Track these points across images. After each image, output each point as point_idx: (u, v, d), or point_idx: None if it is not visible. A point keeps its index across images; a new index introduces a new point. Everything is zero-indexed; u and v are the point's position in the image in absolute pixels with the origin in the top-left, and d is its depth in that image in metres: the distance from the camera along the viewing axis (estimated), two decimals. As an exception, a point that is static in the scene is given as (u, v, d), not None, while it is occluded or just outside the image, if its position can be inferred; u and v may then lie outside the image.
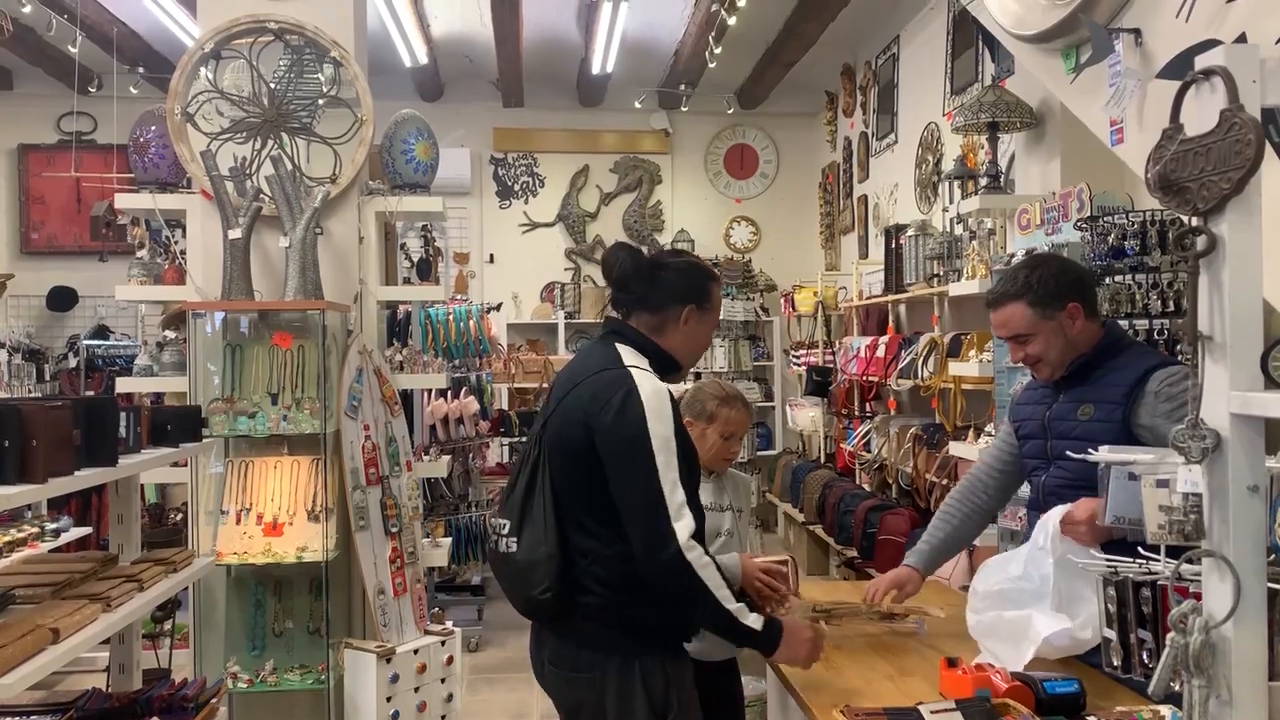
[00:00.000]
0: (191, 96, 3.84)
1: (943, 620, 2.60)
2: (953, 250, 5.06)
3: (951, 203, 5.26)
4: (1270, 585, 1.51)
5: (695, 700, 2.22)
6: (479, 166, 8.79)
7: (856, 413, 6.75)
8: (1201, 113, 1.53)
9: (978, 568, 2.49)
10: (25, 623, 2.14)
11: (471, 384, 5.71)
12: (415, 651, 3.67)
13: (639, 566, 2.10)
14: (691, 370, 3.72)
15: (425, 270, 5.35)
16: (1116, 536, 2.15)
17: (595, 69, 7.64)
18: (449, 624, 3.92)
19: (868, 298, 6.75)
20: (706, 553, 2.08)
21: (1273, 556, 1.52)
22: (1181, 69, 2.26)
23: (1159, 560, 1.72)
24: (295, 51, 3.85)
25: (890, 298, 6.11)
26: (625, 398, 2.11)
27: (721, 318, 8.57)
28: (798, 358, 7.99)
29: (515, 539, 2.16)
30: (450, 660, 3.80)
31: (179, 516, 5.14)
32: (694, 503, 2.11)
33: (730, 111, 8.79)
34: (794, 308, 8.12)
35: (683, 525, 2.06)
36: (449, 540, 4.55)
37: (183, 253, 4.13)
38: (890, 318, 6.37)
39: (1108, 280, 3.17)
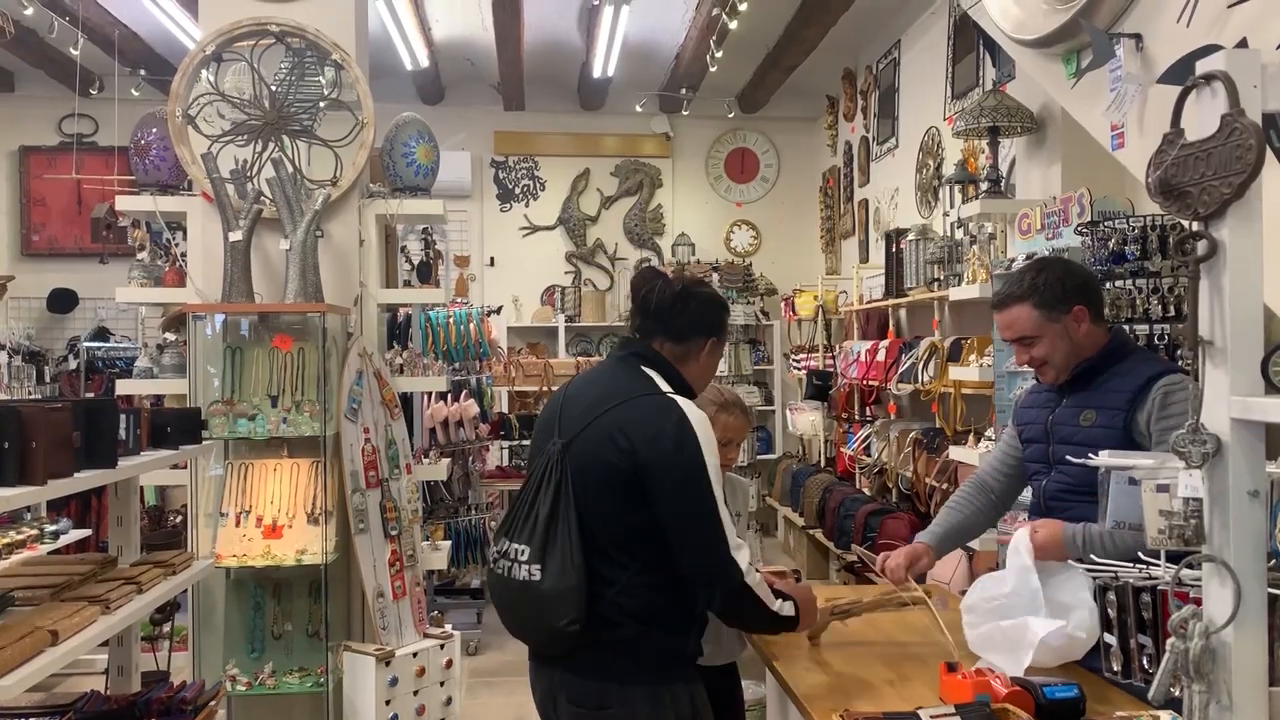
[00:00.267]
0: (193, 99, 3.84)
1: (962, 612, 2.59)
2: (953, 255, 5.06)
3: (952, 207, 5.27)
4: (1270, 590, 1.51)
5: (711, 713, 2.22)
6: (480, 170, 8.80)
7: (856, 417, 6.75)
8: (1202, 118, 1.54)
9: (979, 575, 2.49)
10: (24, 625, 2.14)
11: (471, 387, 5.71)
12: (414, 655, 3.67)
13: (702, 595, 2.11)
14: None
15: (425, 273, 5.34)
16: (1072, 557, 2.21)
17: (596, 72, 7.64)
18: (448, 627, 3.92)
19: (868, 302, 6.75)
20: (755, 570, 2.13)
21: (1273, 562, 1.52)
22: (1182, 74, 2.25)
23: (1159, 565, 1.72)
24: (296, 54, 3.85)
25: (890, 302, 6.11)
26: (679, 427, 2.07)
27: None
28: (798, 362, 7.99)
29: (538, 566, 2.06)
30: (449, 664, 3.79)
31: (178, 519, 5.13)
32: None
33: (731, 115, 8.79)
34: (794, 312, 8.12)
35: (743, 555, 2.09)
36: (448, 543, 4.55)
37: (183, 255, 4.13)
38: (890, 322, 6.37)
39: (1108, 285, 3.17)
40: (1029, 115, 4.54)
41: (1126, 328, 3.05)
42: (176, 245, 4.25)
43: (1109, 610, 1.80)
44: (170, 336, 4.08)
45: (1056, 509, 2.44)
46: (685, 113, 8.64)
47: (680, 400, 2.13)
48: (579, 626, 2.04)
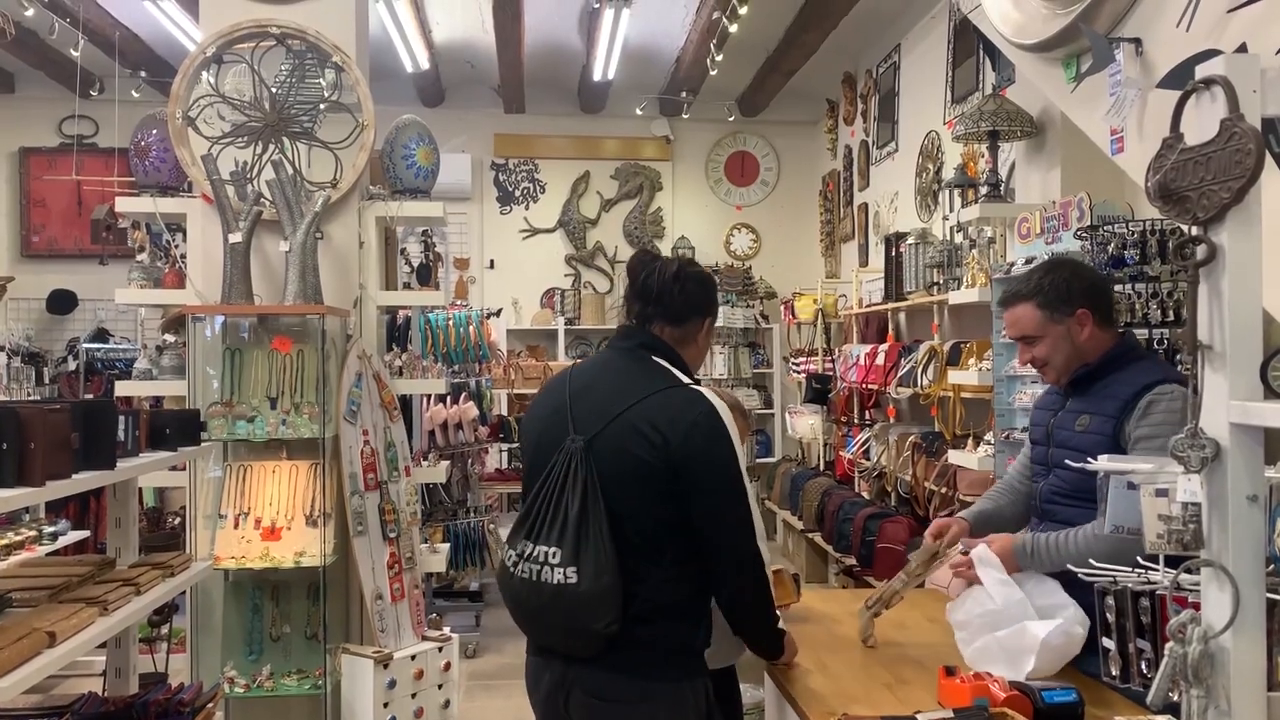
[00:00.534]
0: (193, 100, 3.84)
1: (943, 629, 2.59)
2: (953, 259, 5.06)
3: (952, 211, 5.27)
4: (1269, 595, 1.51)
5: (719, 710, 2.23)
6: (480, 172, 8.81)
7: (856, 420, 6.75)
8: (1202, 122, 1.54)
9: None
10: (22, 626, 2.13)
11: (471, 389, 5.71)
12: (413, 657, 3.66)
13: (728, 586, 2.12)
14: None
15: (425, 275, 5.34)
16: (1022, 568, 2.29)
17: (597, 75, 7.65)
18: (447, 630, 3.92)
19: (867, 305, 6.75)
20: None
21: (1271, 566, 1.52)
22: (1182, 78, 2.26)
23: (1158, 570, 1.72)
24: (297, 56, 3.85)
25: (890, 306, 6.11)
26: (710, 419, 2.06)
27: (722, 324, 8.60)
28: (797, 365, 7.99)
29: (573, 568, 2.00)
30: (448, 666, 3.79)
31: (177, 520, 5.13)
32: None
33: (731, 119, 8.80)
34: (794, 315, 8.13)
35: (763, 547, 2.12)
36: (447, 546, 4.55)
37: (183, 256, 4.13)
38: (890, 326, 6.38)
39: (1107, 289, 3.17)
40: (1029, 119, 4.55)
41: (1125, 332, 3.05)
42: (176, 247, 4.25)
43: (1107, 615, 1.80)
44: (169, 338, 4.08)
45: (1050, 511, 2.46)
46: (685, 116, 8.66)
47: (705, 391, 2.13)
48: (618, 626, 2.01)
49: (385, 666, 3.55)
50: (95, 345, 7.22)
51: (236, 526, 3.60)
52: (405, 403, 4.37)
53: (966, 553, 2.40)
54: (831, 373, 7.22)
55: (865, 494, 6.38)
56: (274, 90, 3.83)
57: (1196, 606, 1.55)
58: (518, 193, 8.92)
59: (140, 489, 3.91)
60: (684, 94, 8.28)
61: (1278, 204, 1.77)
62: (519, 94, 8.32)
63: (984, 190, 4.68)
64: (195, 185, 3.91)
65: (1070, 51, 3.09)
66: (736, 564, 2.10)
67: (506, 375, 6.79)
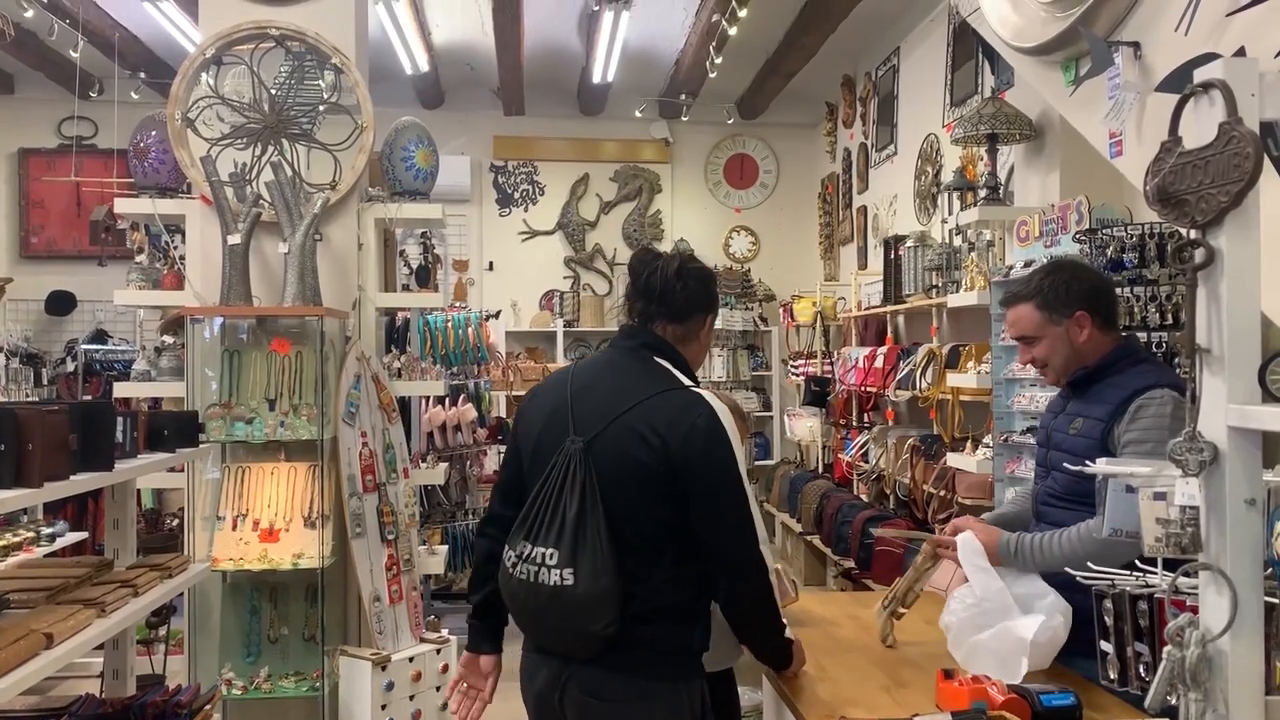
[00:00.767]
0: (192, 102, 3.84)
1: (941, 632, 2.59)
2: (951, 261, 5.06)
3: (950, 214, 5.27)
4: (1267, 599, 1.51)
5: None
6: (479, 174, 8.80)
7: (854, 423, 6.75)
8: (1200, 126, 1.54)
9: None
10: (19, 627, 2.13)
11: (470, 391, 5.71)
12: (410, 659, 3.66)
13: (729, 591, 2.11)
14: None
15: (424, 277, 5.34)
16: (1004, 564, 2.29)
17: (596, 78, 7.65)
18: (444, 632, 3.91)
19: (866, 308, 6.75)
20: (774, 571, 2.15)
21: (1270, 570, 1.52)
22: (1180, 82, 2.26)
23: (1156, 573, 1.72)
24: (296, 58, 3.86)
25: (889, 308, 6.11)
26: (710, 423, 2.05)
27: (721, 327, 8.58)
28: (796, 368, 7.99)
29: (570, 570, 1.99)
30: (445, 668, 3.79)
31: (175, 522, 5.13)
32: None
33: (730, 121, 8.80)
34: (793, 318, 8.12)
35: (767, 551, 2.11)
36: (445, 548, 4.54)
37: (182, 258, 4.13)
38: (889, 328, 6.38)
39: (1106, 293, 3.18)
40: (1027, 122, 4.55)
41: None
42: (175, 248, 4.25)
43: (1105, 618, 1.79)
44: (168, 339, 4.08)
45: (1043, 513, 2.47)
46: (685, 118, 8.66)
47: (705, 394, 2.11)
48: (615, 628, 2.00)
49: (383, 668, 3.54)
50: (94, 346, 7.21)
51: (234, 528, 3.60)
52: (404, 404, 4.36)
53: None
54: (830, 375, 7.22)
55: (864, 497, 6.37)
56: (273, 92, 3.83)
57: (1195, 610, 1.55)
58: (517, 195, 8.92)
59: (138, 490, 3.91)
60: (683, 96, 8.29)
61: (1276, 208, 1.77)
62: (518, 96, 8.32)
63: (983, 193, 4.68)
64: (194, 187, 3.91)
65: (1069, 55, 3.10)
66: (737, 568, 2.09)
67: (505, 377, 6.78)
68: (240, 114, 3.83)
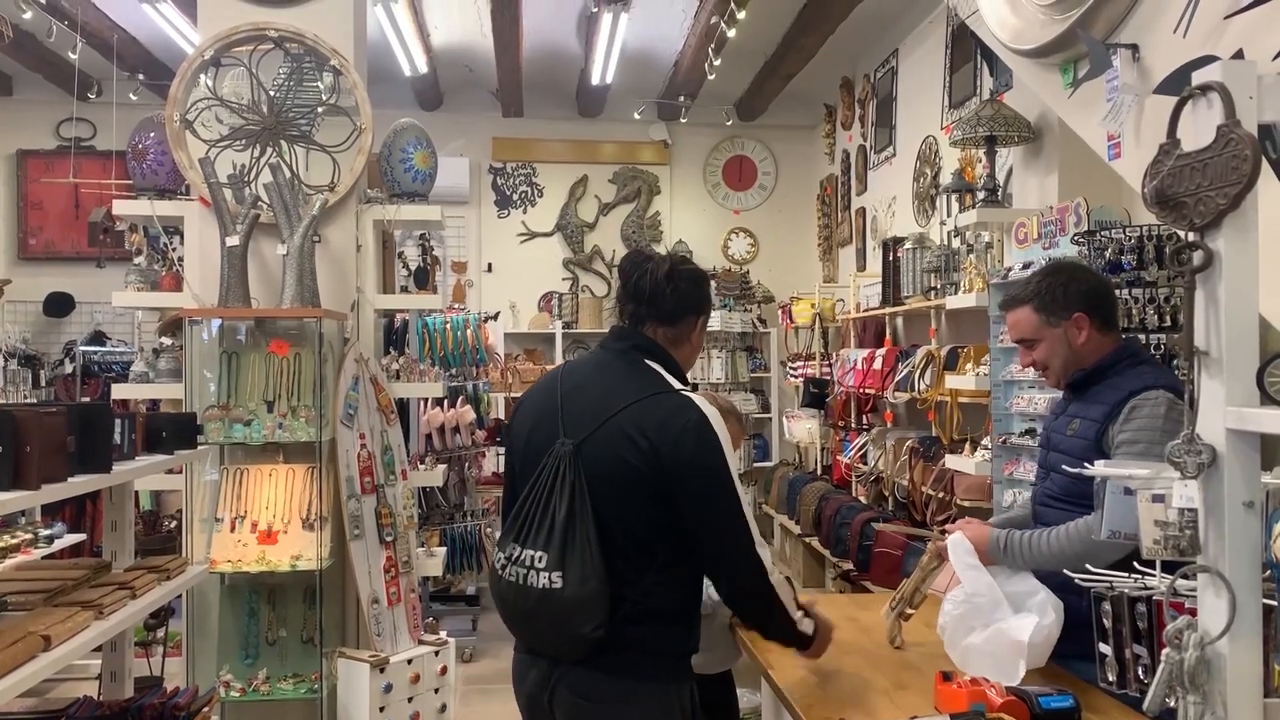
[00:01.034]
0: (191, 103, 3.84)
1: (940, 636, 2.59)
2: (950, 263, 5.06)
3: (949, 216, 5.27)
4: (1265, 601, 1.51)
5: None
6: (478, 176, 8.80)
7: (853, 425, 6.75)
8: (1198, 128, 1.54)
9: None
10: (17, 629, 2.13)
11: (468, 393, 5.71)
12: (409, 661, 3.66)
13: (729, 594, 2.13)
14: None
15: (423, 279, 5.34)
16: (994, 561, 2.30)
17: (595, 80, 7.66)
18: (443, 634, 3.91)
19: (865, 310, 6.75)
20: (775, 571, 2.14)
21: (1268, 572, 1.52)
22: (1179, 84, 2.26)
23: (1154, 575, 1.72)
24: (295, 59, 3.86)
25: (887, 310, 6.11)
26: (700, 427, 2.04)
27: (719, 329, 8.56)
28: (795, 369, 7.99)
29: (559, 573, 1.99)
30: (444, 670, 3.78)
31: (173, 524, 5.13)
32: None
33: (729, 123, 8.80)
34: (791, 319, 8.12)
35: (765, 553, 2.11)
36: (444, 550, 4.54)
37: (180, 259, 4.13)
38: (887, 330, 6.38)
39: (1105, 295, 3.18)
40: (1026, 125, 4.55)
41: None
42: (173, 250, 4.25)
43: (1104, 620, 1.79)
44: (166, 341, 4.08)
45: (1042, 514, 2.48)
46: (683, 120, 8.66)
47: (695, 398, 2.11)
48: (604, 631, 2.00)
49: (381, 670, 3.54)
50: (92, 348, 7.21)
51: (233, 530, 3.59)
52: (402, 406, 4.36)
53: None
54: (829, 377, 7.22)
55: (863, 498, 6.37)
56: (272, 93, 3.83)
57: (1193, 612, 1.55)
58: (515, 196, 8.92)
59: (136, 492, 3.90)
60: (682, 98, 8.29)
61: (1274, 210, 1.77)
62: (517, 98, 8.32)
63: (981, 195, 4.68)
64: (193, 188, 3.91)
65: (1067, 57, 3.10)
66: (733, 573, 2.10)
67: (504, 379, 6.78)
68: (239, 116, 3.83)
